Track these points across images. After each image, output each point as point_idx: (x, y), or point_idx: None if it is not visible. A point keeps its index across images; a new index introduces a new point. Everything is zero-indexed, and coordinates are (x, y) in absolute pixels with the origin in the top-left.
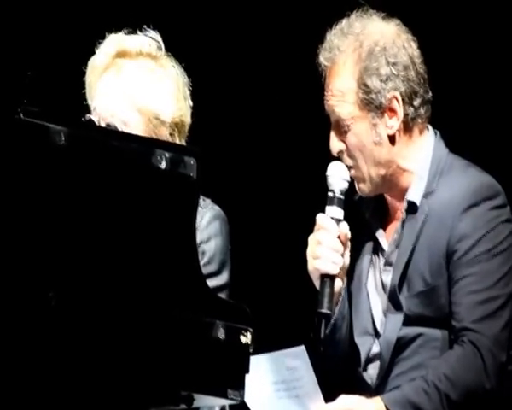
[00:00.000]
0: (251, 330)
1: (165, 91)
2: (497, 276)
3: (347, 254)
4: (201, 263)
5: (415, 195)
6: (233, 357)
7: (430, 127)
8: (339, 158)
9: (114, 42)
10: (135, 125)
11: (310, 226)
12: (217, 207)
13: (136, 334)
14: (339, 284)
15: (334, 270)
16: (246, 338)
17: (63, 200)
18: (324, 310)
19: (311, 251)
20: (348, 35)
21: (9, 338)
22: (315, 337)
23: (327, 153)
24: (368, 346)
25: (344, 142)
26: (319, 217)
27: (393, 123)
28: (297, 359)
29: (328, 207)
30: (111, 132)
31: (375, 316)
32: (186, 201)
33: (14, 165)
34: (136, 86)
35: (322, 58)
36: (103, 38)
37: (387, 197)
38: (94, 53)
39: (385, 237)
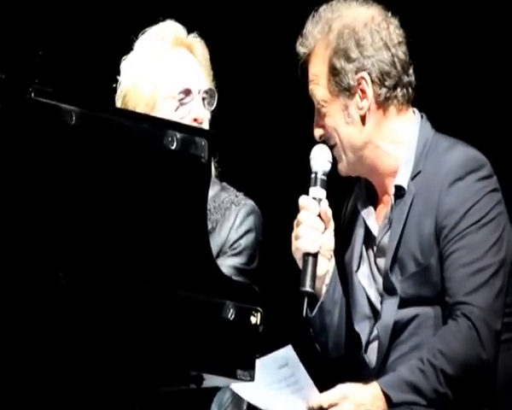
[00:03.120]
0: (261, 310)
1: None
2: (486, 245)
3: (330, 233)
4: (232, 253)
5: (402, 179)
6: (242, 337)
7: (416, 111)
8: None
9: (169, 26)
10: None
11: None
12: (249, 202)
13: (146, 314)
14: (325, 265)
15: (313, 248)
16: (255, 318)
17: (74, 180)
18: (306, 288)
19: (293, 232)
20: (319, 21)
21: (21, 317)
22: (303, 316)
23: None
24: (368, 330)
25: (323, 125)
26: (301, 198)
27: (364, 104)
28: (286, 359)
29: (311, 189)
30: (122, 112)
31: (375, 302)
32: (197, 181)
33: (25, 145)
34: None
35: (299, 47)
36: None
37: (376, 185)
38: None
39: (376, 224)
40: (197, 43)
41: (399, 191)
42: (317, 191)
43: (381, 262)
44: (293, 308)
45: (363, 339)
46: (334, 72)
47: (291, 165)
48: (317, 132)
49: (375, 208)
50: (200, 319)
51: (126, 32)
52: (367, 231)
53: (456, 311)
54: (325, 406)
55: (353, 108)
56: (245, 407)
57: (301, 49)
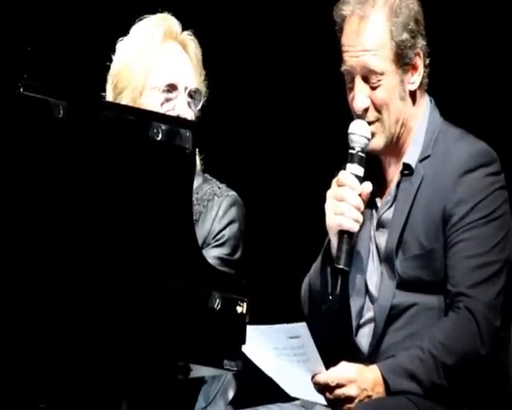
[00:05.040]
0: (247, 300)
1: None
2: (492, 242)
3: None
4: (215, 243)
5: (411, 158)
6: (229, 327)
7: (426, 94)
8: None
9: (162, 19)
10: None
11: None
12: (232, 193)
13: (132, 305)
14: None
15: (355, 227)
16: (242, 308)
17: (62, 172)
18: (342, 266)
19: (332, 207)
20: None
21: (11, 311)
22: (332, 294)
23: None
24: (357, 307)
25: (370, 97)
26: (342, 174)
27: (415, 79)
28: (298, 333)
29: (349, 165)
30: (109, 105)
31: (367, 276)
32: (182, 172)
33: (14, 139)
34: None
35: (352, 10)
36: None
37: (383, 160)
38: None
39: (379, 198)
40: (190, 41)
41: (406, 169)
42: (356, 168)
43: (380, 237)
44: (276, 297)
45: (354, 317)
46: (399, 44)
47: (273, 156)
48: (363, 104)
49: (379, 183)
50: (186, 309)
51: (114, 24)
52: (371, 203)
53: (458, 302)
54: (332, 384)
55: (406, 82)
56: (230, 398)
57: (357, 12)
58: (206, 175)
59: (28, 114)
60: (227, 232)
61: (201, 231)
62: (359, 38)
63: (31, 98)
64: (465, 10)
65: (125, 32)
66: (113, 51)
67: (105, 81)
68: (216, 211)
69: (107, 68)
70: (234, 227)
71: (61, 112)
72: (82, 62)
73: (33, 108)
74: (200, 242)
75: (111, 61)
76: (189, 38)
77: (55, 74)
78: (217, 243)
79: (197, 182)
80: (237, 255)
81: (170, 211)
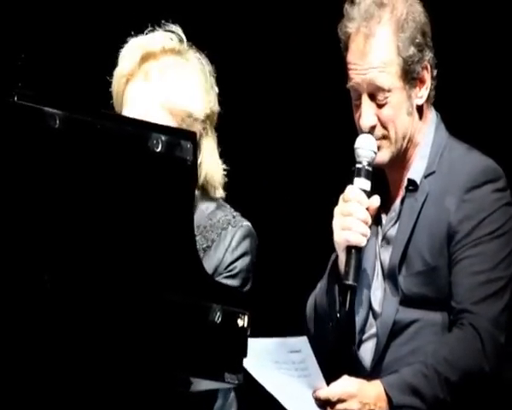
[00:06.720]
0: (248, 313)
1: (194, 87)
2: (498, 258)
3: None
4: (227, 274)
5: (415, 173)
6: (230, 340)
7: (432, 108)
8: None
9: (137, 46)
10: None
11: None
12: (246, 223)
13: (132, 318)
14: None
15: (363, 242)
16: (243, 322)
17: (58, 184)
18: (350, 282)
19: (340, 222)
20: (383, 6)
21: (5, 321)
22: (340, 310)
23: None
24: (360, 322)
25: (377, 115)
26: (349, 188)
27: (423, 93)
28: (299, 347)
29: (356, 179)
30: (106, 116)
31: (371, 292)
32: (183, 184)
33: (8, 149)
34: (165, 88)
35: (358, 27)
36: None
37: (389, 175)
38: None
39: (384, 214)
40: (157, 73)
41: (411, 185)
42: (363, 183)
43: (384, 252)
44: (278, 313)
45: (356, 331)
46: (406, 59)
47: (274, 170)
48: (370, 122)
49: (384, 198)
50: (186, 322)
51: (112, 32)
52: (377, 219)
53: (462, 319)
54: (333, 399)
55: (414, 97)
56: None
57: (363, 31)
58: (220, 200)
59: (23, 124)
60: (239, 264)
61: (213, 260)
62: (366, 56)
63: (25, 108)
64: (471, 20)
65: (123, 41)
66: (111, 60)
67: (103, 90)
68: (229, 241)
69: (105, 77)
70: (246, 260)
71: (58, 122)
72: (79, 70)
73: (28, 118)
74: (211, 270)
75: (108, 70)
76: (149, 64)
77: (50, 83)
78: (228, 275)
79: (210, 208)
80: (247, 287)
81: (170, 224)
